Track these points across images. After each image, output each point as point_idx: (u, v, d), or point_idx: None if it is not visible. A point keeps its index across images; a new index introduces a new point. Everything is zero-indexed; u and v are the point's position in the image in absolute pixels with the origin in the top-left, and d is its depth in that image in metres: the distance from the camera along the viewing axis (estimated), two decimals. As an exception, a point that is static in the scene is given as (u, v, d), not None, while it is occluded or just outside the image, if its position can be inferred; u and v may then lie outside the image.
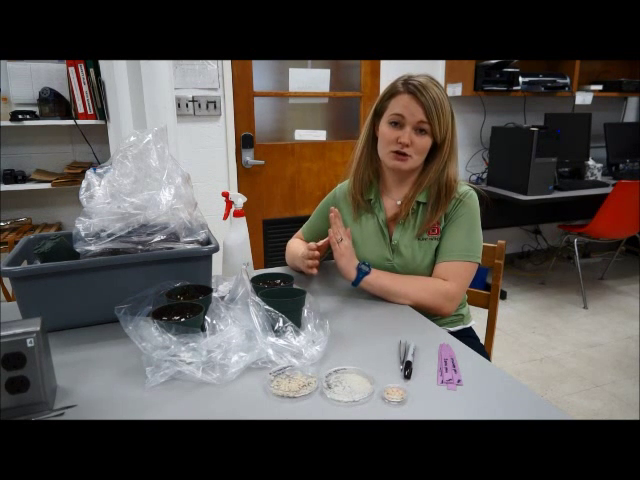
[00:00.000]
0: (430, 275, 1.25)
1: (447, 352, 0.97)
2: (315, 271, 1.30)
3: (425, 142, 1.21)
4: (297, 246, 1.43)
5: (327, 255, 1.38)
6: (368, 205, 1.34)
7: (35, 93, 2.35)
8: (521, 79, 3.13)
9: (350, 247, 1.23)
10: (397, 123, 1.21)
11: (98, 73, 2.29)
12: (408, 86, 1.19)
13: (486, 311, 1.51)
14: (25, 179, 2.39)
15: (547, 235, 3.81)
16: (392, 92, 1.23)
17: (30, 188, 2.37)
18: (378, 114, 1.28)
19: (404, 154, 1.21)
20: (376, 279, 1.21)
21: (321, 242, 1.33)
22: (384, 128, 1.24)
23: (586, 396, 2.16)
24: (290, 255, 1.45)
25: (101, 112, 2.34)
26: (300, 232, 1.53)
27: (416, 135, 1.20)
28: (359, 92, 3.05)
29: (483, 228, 1.27)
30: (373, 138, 1.31)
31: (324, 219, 1.44)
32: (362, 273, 1.20)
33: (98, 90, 2.31)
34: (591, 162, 3.43)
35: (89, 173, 1.12)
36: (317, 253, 1.30)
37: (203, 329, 0.93)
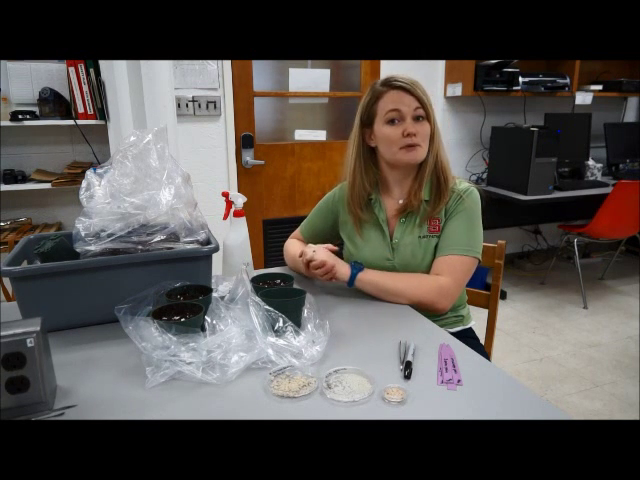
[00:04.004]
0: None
1: (447, 352, 0.97)
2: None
3: (427, 128, 1.23)
4: (296, 248, 1.41)
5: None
6: (369, 204, 1.34)
7: (35, 93, 2.35)
8: (521, 79, 3.13)
9: (331, 256, 1.23)
10: (395, 119, 1.22)
11: (98, 73, 2.29)
12: (391, 84, 1.22)
13: (486, 311, 1.51)
14: (25, 179, 2.39)
15: (547, 235, 3.81)
16: (376, 95, 1.24)
17: (30, 188, 2.37)
18: (366, 123, 1.28)
19: (414, 145, 1.22)
20: (367, 275, 1.22)
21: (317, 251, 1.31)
22: (384, 130, 1.23)
23: (586, 396, 2.16)
24: (290, 257, 1.44)
25: (101, 112, 2.34)
26: (298, 232, 1.51)
27: (417, 123, 1.22)
28: (359, 92, 3.05)
29: (483, 228, 1.26)
30: (364, 148, 1.31)
31: (324, 218, 1.44)
32: (355, 269, 1.21)
33: (98, 90, 2.31)
34: (591, 162, 3.42)
35: (89, 173, 1.12)
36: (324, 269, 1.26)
37: (203, 329, 0.93)
